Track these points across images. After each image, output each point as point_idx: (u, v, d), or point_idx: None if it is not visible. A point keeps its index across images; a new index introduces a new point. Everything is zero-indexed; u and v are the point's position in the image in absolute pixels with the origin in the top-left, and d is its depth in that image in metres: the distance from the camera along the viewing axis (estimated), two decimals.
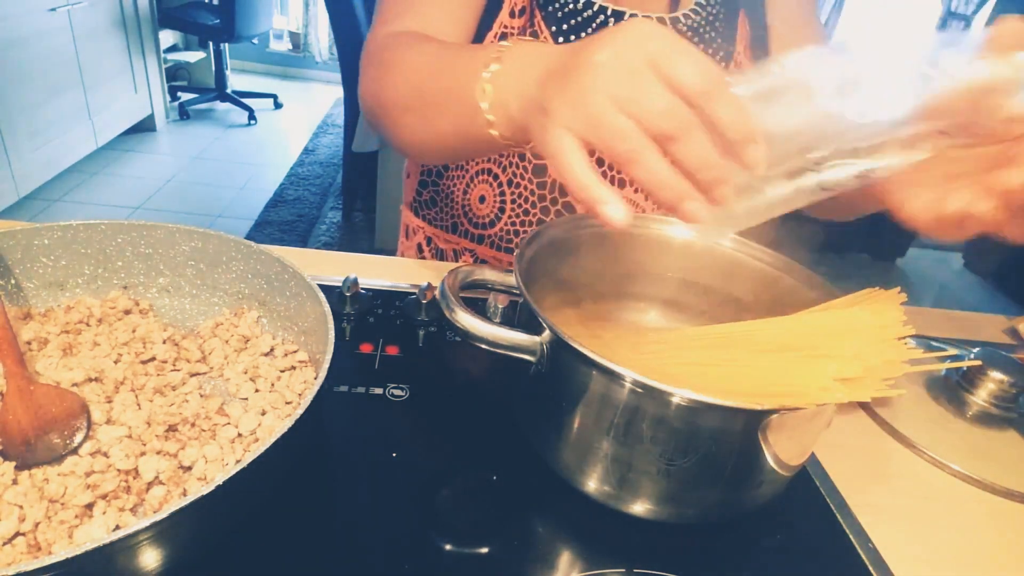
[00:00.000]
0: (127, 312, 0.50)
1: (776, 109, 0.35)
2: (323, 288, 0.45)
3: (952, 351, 0.64)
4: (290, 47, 4.39)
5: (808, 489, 0.48)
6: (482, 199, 0.72)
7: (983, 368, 0.58)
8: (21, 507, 0.34)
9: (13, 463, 0.37)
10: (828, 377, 0.35)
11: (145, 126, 3.13)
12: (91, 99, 2.57)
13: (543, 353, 0.40)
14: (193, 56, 3.73)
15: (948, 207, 0.38)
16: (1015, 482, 0.51)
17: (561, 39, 0.64)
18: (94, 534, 0.34)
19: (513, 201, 0.71)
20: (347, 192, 2.66)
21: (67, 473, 0.37)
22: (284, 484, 0.40)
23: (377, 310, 0.59)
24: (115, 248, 0.50)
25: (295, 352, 0.48)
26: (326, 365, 0.38)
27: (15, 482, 0.36)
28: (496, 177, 0.71)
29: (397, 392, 0.50)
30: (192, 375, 0.46)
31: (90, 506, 0.36)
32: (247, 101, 3.52)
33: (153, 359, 0.47)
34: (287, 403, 0.44)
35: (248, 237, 0.67)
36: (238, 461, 0.34)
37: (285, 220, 2.58)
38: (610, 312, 0.56)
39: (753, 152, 0.34)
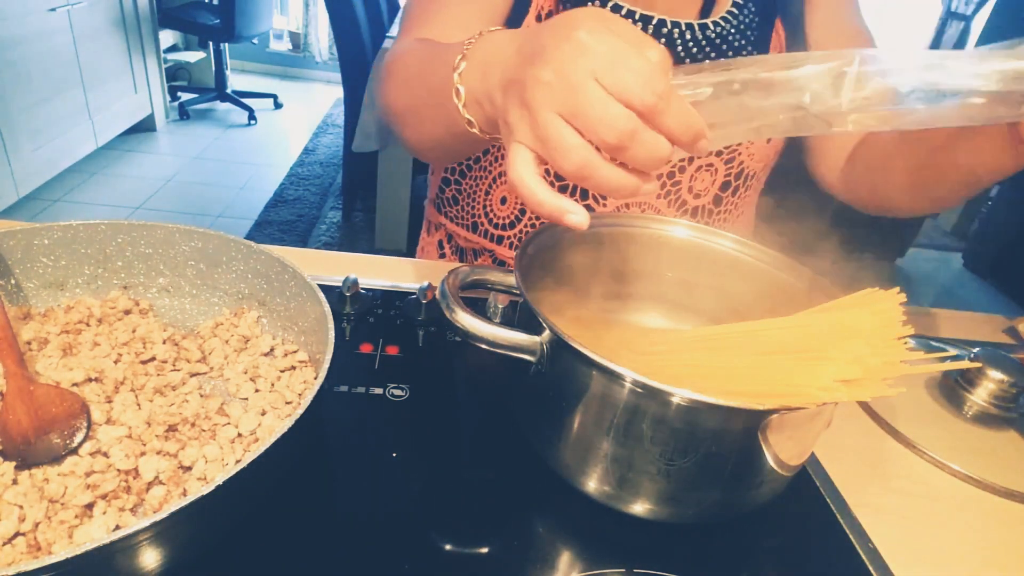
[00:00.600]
0: (127, 312, 0.50)
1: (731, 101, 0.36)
2: (323, 288, 0.45)
3: (952, 351, 0.64)
4: (290, 47, 4.39)
5: (808, 489, 0.48)
6: (503, 200, 0.72)
7: (983, 368, 0.58)
8: (21, 507, 0.34)
9: (13, 463, 0.37)
10: (829, 378, 0.35)
11: (145, 126, 3.13)
12: (91, 99, 2.57)
13: (543, 353, 0.40)
14: (193, 56, 3.72)
15: None
16: (1015, 482, 0.51)
17: None
18: (94, 534, 0.34)
19: None
20: (347, 192, 2.66)
21: (67, 473, 0.37)
22: (284, 484, 0.40)
23: (377, 310, 0.59)
24: (115, 248, 0.50)
25: (295, 352, 0.48)
26: (326, 365, 0.38)
27: (15, 482, 0.36)
28: None
29: (397, 392, 0.50)
30: (192, 375, 0.46)
31: (90, 506, 0.36)
32: (247, 101, 3.52)
33: (153, 359, 0.47)
34: (287, 403, 0.44)
35: (248, 237, 0.67)
36: (238, 461, 0.34)
37: (285, 220, 2.58)
38: (610, 312, 0.56)
39: (703, 145, 0.35)
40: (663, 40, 0.64)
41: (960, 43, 4.25)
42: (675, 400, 0.35)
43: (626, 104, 0.32)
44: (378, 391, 0.50)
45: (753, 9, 0.69)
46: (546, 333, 0.39)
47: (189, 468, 0.39)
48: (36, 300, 0.49)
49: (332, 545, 0.38)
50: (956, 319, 0.77)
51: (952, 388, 0.60)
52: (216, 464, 0.39)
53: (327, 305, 0.43)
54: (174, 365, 0.47)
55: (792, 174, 0.78)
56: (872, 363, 0.35)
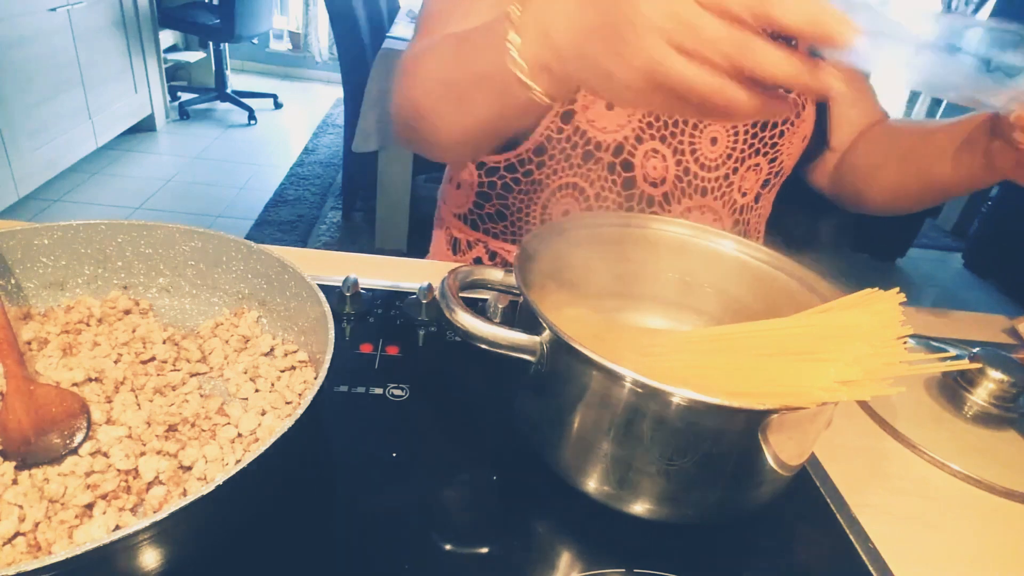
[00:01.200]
0: (127, 312, 0.50)
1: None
2: (323, 288, 0.45)
3: (952, 351, 0.64)
4: (290, 47, 4.39)
5: (808, 489, 0.48)
6: (566, 214, 0.71)
7: (983, 368, 0.58)
8: (21, 507, 0.34)
9: (13, 463, 0.37)
10: (829, 379, 0.35)
11: (145, 126, 3.13)
12: (91, 99, 2.57)
13: (543, 353, 0.40)
14: (193, 56, 3.73)
15: None
16: (1015, 482, 0.51)
17: None
18: (94, 534, 0.34)
19: None
20: (347, 192, 2.66)
21: (67, 473, 0.37)
22: (284, 484, 0.40)
23: (377, 310, 0.59)
24: (115, 248, 0.50)
25: (295, 352, 0.48)
26: (326, 365, 0.38)
27: (15, 482, 0.36)
28: (583, 191, 0.70)
29: (397, 392, 0.50)
30: (192, 375, 0.46)
31: (90, 506, 0.36)
32: (247, 101, 3.52)
33: (153, 359, 0.47)
34: (287, 403, 0.44)
35: (248, 237, 0.67)
36: (238, 461, 0.34)
37: (285, 220, 2.58)
38: (610, 312, 0.56)
39: (844, 38, 0.30)
40: None
41: None
42: (675, 400, 0.35)
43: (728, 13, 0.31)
44: (378, 391, 0.50)
45: None
46: (546, 333, 0.39)
47: (189, 468, 0.39)
48: (36, 300, 0.49)
49: (332, 545, 0.38)
50: (956, 319, 0.77)
51: (952, 388, 0.60)
52: (216, 464, 0.39)
53: (327, 305, 0.43)
54: (174, 365, 0.47)
55: (792, 175, 0.78)
56: (872, 364, 0.35)
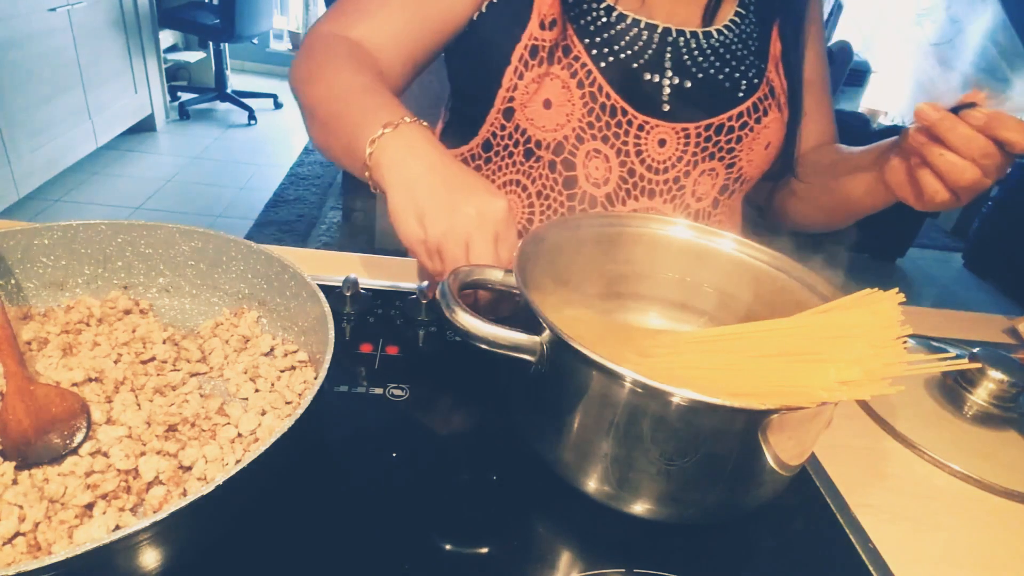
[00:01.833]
0: (127, 312, 0.50)
1: None
2: (323, 288, 0.45)
3: (952, 351, 0.64)
4: (290, 47, 4.39)
5: (808, 489, 0.48)
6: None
7: (983, 368, 0.58)
8: (21, 507, 0.34)
9: (13, 463, 0.37)
10: (830, 380, 0.35)
11: (145, 126, 3.13)
12: (91, 99, 2.57)
13: (543, 353, 0.40)
14: (193, 56, 3.72)
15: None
16: (1015, 482, 0.51)
17: (595, 51, 0.63)
18: (94, 534, 0.34)
19: (542, 213, 0.71)
20: (347, 192, 2.66)
21: (67, 473, 0.37)
22: (284, 484, 0.40)
23: (377, 310, 0.59)
24: (115, 248, 0.50)
25: (295, 352, 0.48)
26: (326, 365, 0.38)
27: (15, 482, 0.36)
28: (525, 188, 0.70)
29: (397, 392, 0.50)
30: (192, 375, 0.46)
31: (90, 506, 0.36)
32: (247, 101, 3.52)
33: (153, 359, 0.47)
34: (287, 403, 0.44)
35: (248, 237, 0.67)
36: (238, 461, 0.34)
37: (285, 220, 2.58)
38: (610, 312, 0.56)
39: None
40: (668, 48, 0.65)
41: None
42: (675, 400, 0.35)
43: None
44: (378, 391, 0.50)
45: (754, 20, 0.69)
46: (546, 333, 0.39)
47: (189, 468, 0.39)
48: (36, 300, 0.49)
49: (332, 545, 0.38)
50: (956, 319, 0.77)
51: (952, 388, 0.60)
52: (216, 464, 0.39)
53: (327, 305, 0.43)
54: (174, 365, 0.47)
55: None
56: (872, 364, 0.35)
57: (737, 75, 0.67)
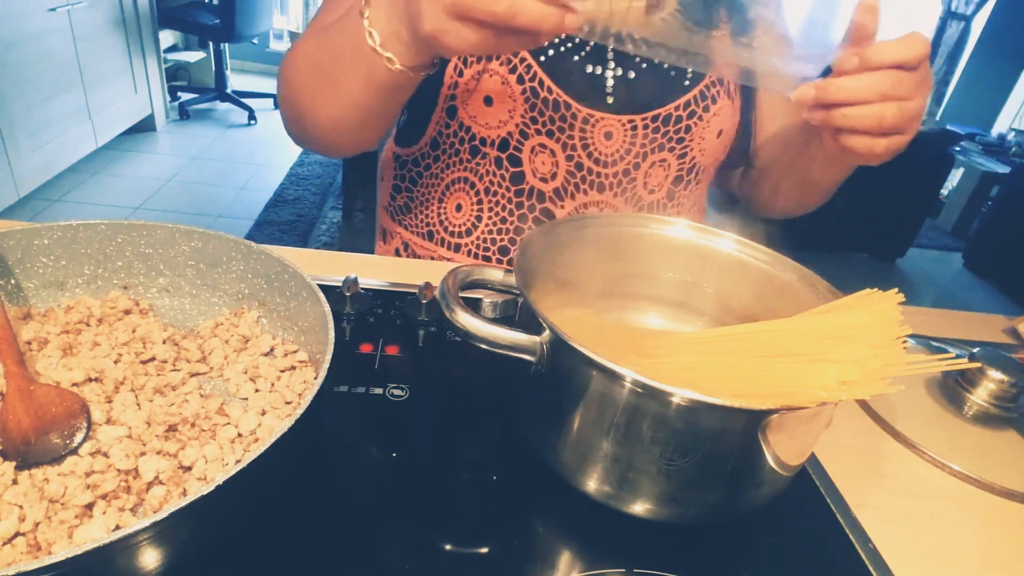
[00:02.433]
0: (127, 312, 0.50)
1: None
2: (323, 288, 0.45)
3: (952, 351, 0.64)
4: (290, 47, 4.39)
5: (808, 489, 0.48)
6: (459, 207, 0.72)
7: (983, 368, 0.58)
8: (21, 507, 0.34)
9: (13, 463, 0.37)
10: (829, 379, 0.35)
11: (145, 126, 3.14)
12: (91, 99, 2.57)
13: (543, 353, 0.40)
14: (193, 56, 3.73)
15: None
16: (1015, 482, 0.51)
17: (543, 57, 0.64)
18: (94, 534, 0.34)
19: (490, 209, 0.71)
20: (347, 192, 2.65)
21: (67, 473, 0.37)
22: (284, 484, 0.40)
23: (377, 310, 0.59)
24: (115, 248, 0.50)
25: (295, 352, 0.48)
26: (326, 365, 0.38)
27: (15, 482, 0.36)
28: (473, 185, 0.70)
29: (397, 392, 0.50)
30: (192, 375, 0.46)
31: (90, 506, 0.36)
32: (247, 101, 3.52)
33: (153, 359, 0.47)
34: (287, 403, 0.44)
35: (248, 237, 0.67)
36: (238, 461, 0.34)
37: (285, 220, 2.58)
38: (610, 312, 0.56)
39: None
40: None
41: (960, 42, 4.25)
42: (675, 400, 0.35)
43: None
44: (378, 391, 0.50)
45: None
46: (546, 333, 0.39)
47: (189, 468, 0.39)
48: (36, 300, 0.49)
49: (332, 545, 0.38)
50: (956, 319, 0.77)
51: (952, 388, 0.60)
52: (216, 464, 0.39)
53: (327, 305, 0.43)
54: (174, 365, 0.47)
55: None
56: (872, 364, 0.35)
57: None
